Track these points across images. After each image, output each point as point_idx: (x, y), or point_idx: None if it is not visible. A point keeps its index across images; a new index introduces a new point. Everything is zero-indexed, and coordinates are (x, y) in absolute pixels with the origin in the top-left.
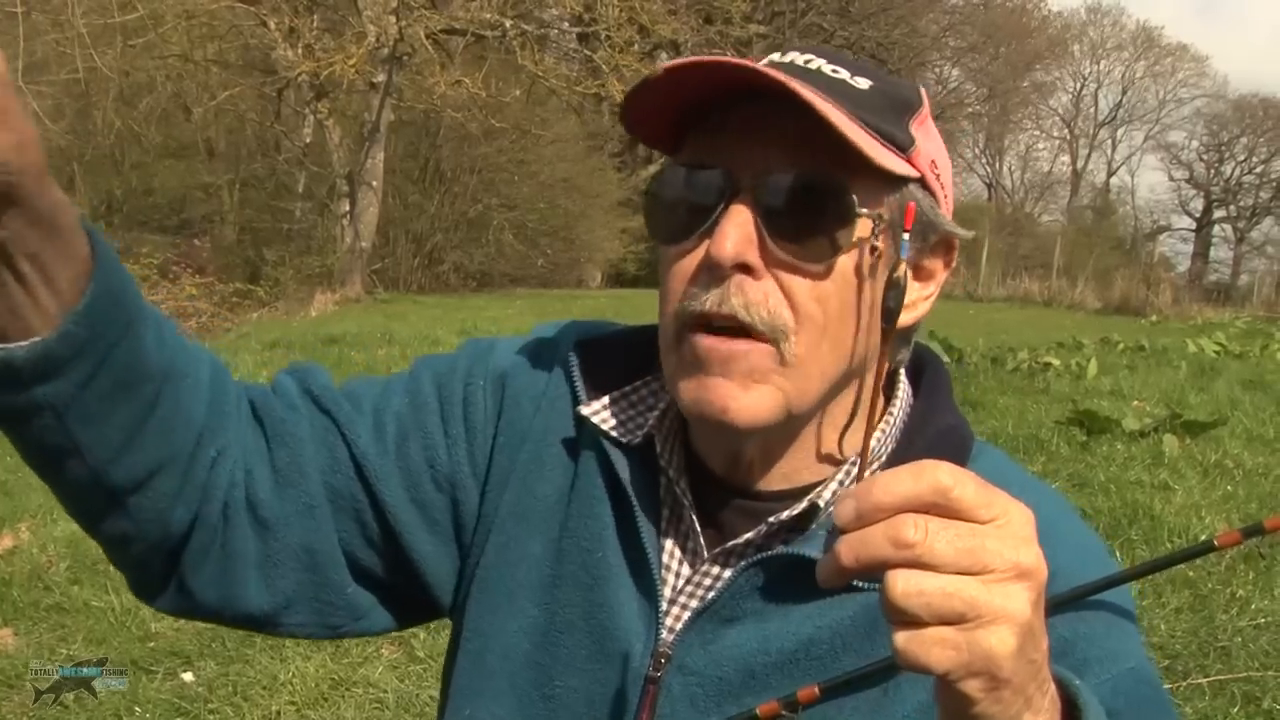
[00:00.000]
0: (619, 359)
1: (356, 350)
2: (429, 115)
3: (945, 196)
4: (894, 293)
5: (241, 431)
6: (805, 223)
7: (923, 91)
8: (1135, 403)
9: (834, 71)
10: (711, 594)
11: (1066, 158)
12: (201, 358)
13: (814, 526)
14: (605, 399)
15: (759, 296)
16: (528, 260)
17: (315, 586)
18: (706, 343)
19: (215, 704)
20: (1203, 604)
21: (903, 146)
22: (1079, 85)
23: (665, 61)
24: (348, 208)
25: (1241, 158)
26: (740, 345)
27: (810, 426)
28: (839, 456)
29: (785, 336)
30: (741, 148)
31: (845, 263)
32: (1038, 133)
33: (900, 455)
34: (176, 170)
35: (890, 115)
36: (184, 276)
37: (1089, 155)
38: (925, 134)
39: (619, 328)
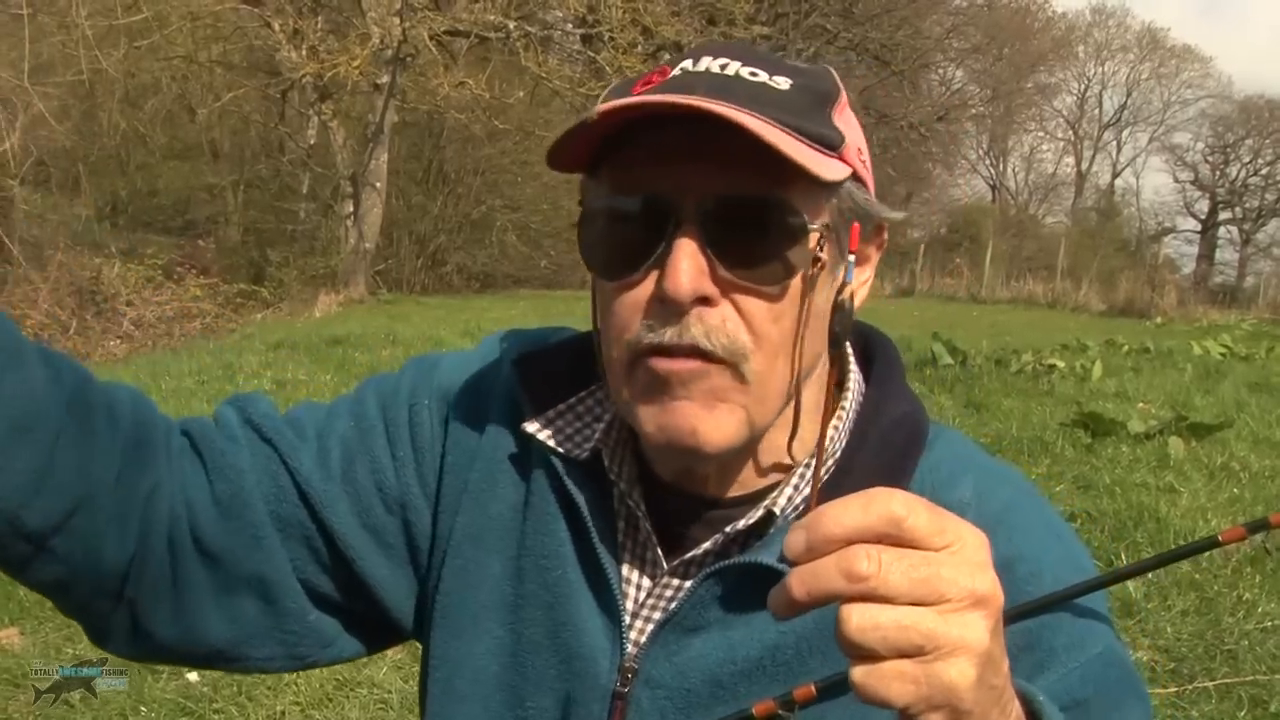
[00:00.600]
0: (562, 371)
1: (360, 351)
2: (433, 116)
3: (871, 179)
4: (840, 316)
5: (176, 465)
6: (757, 245)
7: (834, 75)
8: (1140, 405)
9: (752, 75)
10: (674, 605)
11: (1071, 159)
12: (118, 394)
13: (771, 532)
14: (550, 413)
15: (717, 322)
16: (531, 261)
17: (274, 616)
18: (665, 365)
19: (220, 704)
20: (1209, 607)
21: (833, 145)
22: (1083, 87)
23: (597, 108)
24: (351, 209)
25: (1247, 159)
26: (699, 364)
27: (764, 434)
28: (791, 460)
29: (744, 358)
30: (676, 172)
31: (798, 279)
32: (1042, 134)
33: (854, 449)
34: (181, 171)
35: (815, 113)
36: (188, 277)
37: (1093, 157)
38: (847, 123)
39: (562, 337)
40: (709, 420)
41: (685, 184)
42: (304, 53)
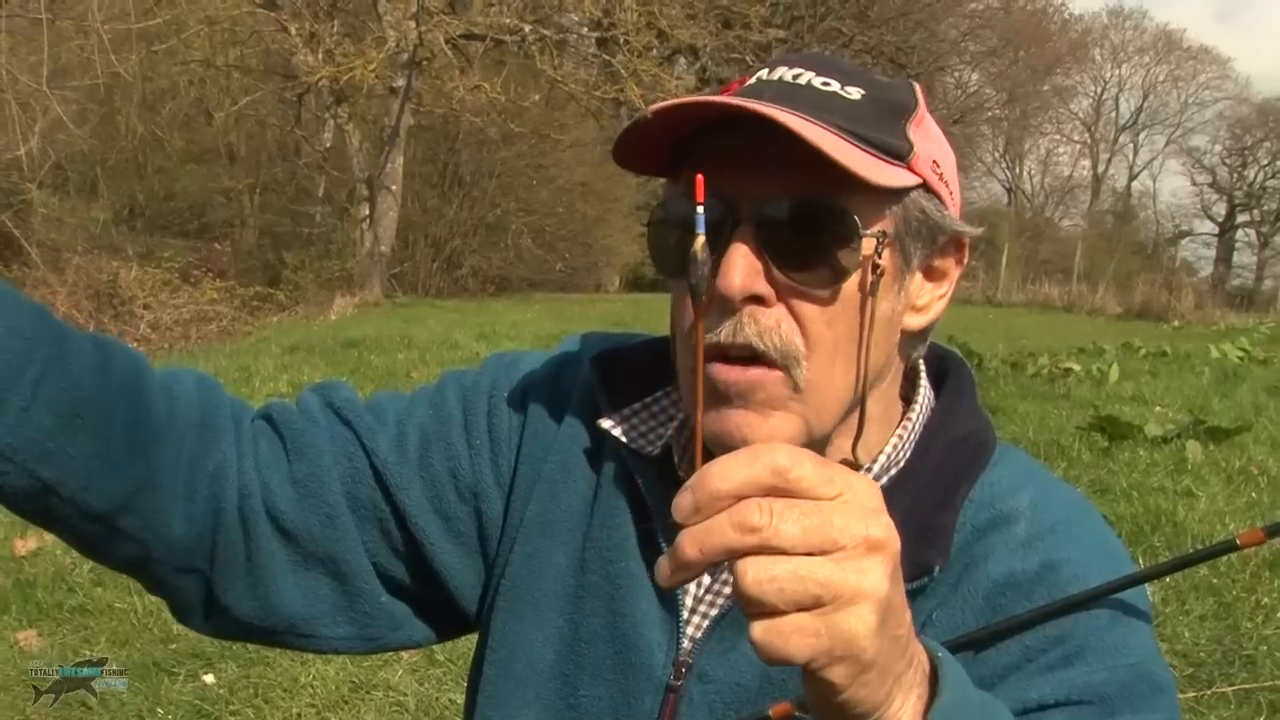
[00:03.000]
0: (638, 371)
1: (375, 354)
2: (448, 120)
3: (951, 194)
4: (693, 267)
5: (250, 443)
6: (809, 249)
7: (918, 90)
8: (1157, 408)
9: (824, 84)
10: (730, 602)
11: (1087, 162)
12: (179, 376)
13: None
14: (625, 411)
15: (771, 323)
16: (546, 264)
17: (347, 595)
18: (725, 374)
19: (236, 706)
20: (1227, 611)
21: (901, 154)
22: (1100, 89)
23: (653, 105)
24: (367, 212)
25: (1265, 162)
26: (757, 373)
27: (830, 443)
28: (856, 465)
29: (796, 362)
30: (738, 176)
31: (851, 283)
32: (1058, 137)
33: (916, 460)
34: (198, 175)
35: (885, 123)
36: (205, 280)
37: (1110, 160)
38: (923, 135)
39: (639, 340)
40: (762, 428)
41: (745, 188)
42: (320, 56)
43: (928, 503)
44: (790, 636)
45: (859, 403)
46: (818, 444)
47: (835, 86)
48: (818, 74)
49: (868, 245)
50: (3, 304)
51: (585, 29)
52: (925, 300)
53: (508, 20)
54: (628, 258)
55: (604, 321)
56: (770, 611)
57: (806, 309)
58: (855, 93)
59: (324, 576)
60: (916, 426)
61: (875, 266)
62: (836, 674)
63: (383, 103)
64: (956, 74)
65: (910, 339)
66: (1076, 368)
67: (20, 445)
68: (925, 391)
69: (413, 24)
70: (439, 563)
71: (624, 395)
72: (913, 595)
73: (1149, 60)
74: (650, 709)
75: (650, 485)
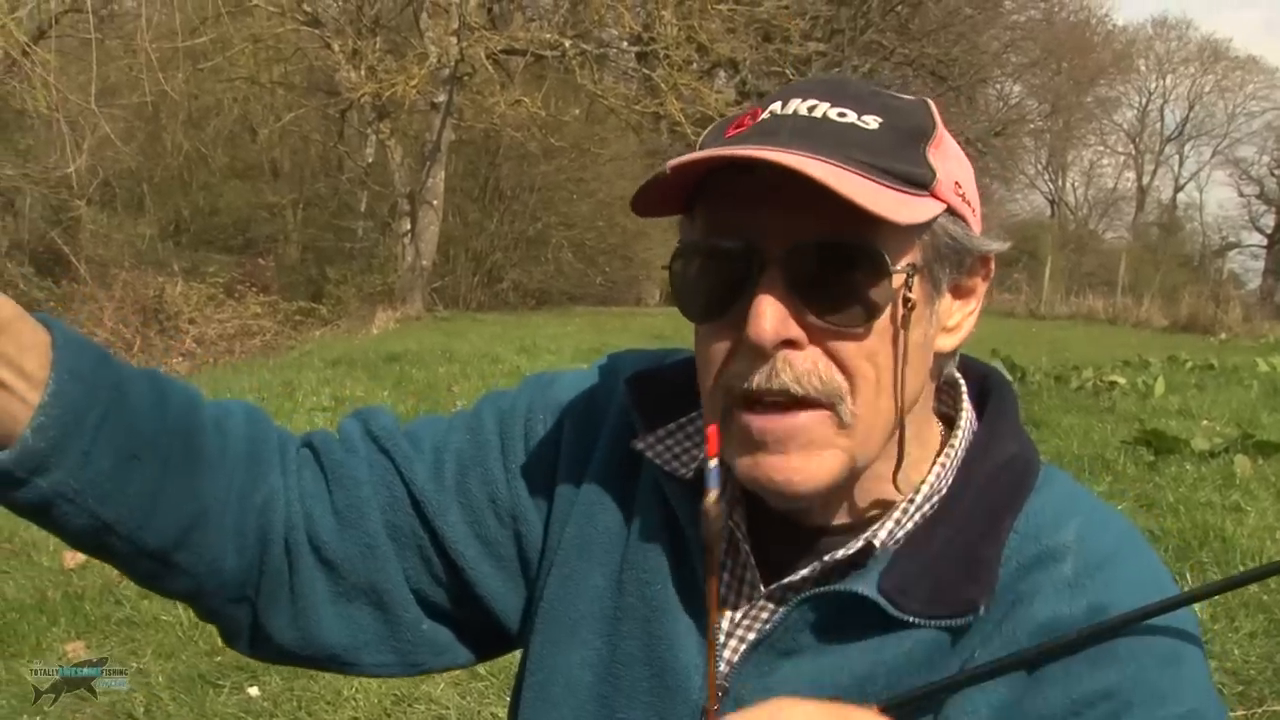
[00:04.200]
0: (674, 392)
1: (417, 368)
2: (489, 134)
3: (973, 211)
4: (705, 522)
5: (294, 474)
6: (840, 289)
7: (933, 109)
8: (1205, 422)
9: (840, 116)
10: (767, 627)
11: (1131, 174)
12: (230, 410)
13: (869, 563)
14: (660, 432)
15: (808, 366)
16: (586, 278)
17: (388, 624)
18: (760, 424)
19: (280, 718)
20: (1278, 628)
21: (925, 183)
22: (1144, 100)
23: (671, 161)
24: (409, 226)
25: None
26: (797, 419)
27: (868, 469)
28: (896, 494)
29: (841, 399)
30: (761, 217)
31: (885, 319)
32: (1102, 149)
33: (960, 486)
34: (242, 190)
35: (906, 151)
36: (249, 295)
37: (1155, 171)
38: (943, 157)
39: (675, 359)
40: (805, 470)
41: (769, 229)
42: (363, 73)
43: (972, 534)
44: None
45: (899, 429)
46: (859, 472)
47: (852, 117)
48: (832, 104)
49: (897, 280)
50: (67, 348)
51: (625, 43)
52: (956, 320)
53: (548, 35)
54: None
55: (644, 335)
56: None
57: (842, 347)
58: (873, 122)
59: (366, 606)
60: (959, 453)
61: (906, 300)
62: None
63: (424, 118)
64: (998, 86)
65: (942, 359)
66: (1122, 381)
67: (81, 487)
68: (968, 414)
69: (454, 40)
70: (481, 587)
71: (658, 416)
72: (955, 632)
73: (1195, 70)
74: None
75: (683, 508)
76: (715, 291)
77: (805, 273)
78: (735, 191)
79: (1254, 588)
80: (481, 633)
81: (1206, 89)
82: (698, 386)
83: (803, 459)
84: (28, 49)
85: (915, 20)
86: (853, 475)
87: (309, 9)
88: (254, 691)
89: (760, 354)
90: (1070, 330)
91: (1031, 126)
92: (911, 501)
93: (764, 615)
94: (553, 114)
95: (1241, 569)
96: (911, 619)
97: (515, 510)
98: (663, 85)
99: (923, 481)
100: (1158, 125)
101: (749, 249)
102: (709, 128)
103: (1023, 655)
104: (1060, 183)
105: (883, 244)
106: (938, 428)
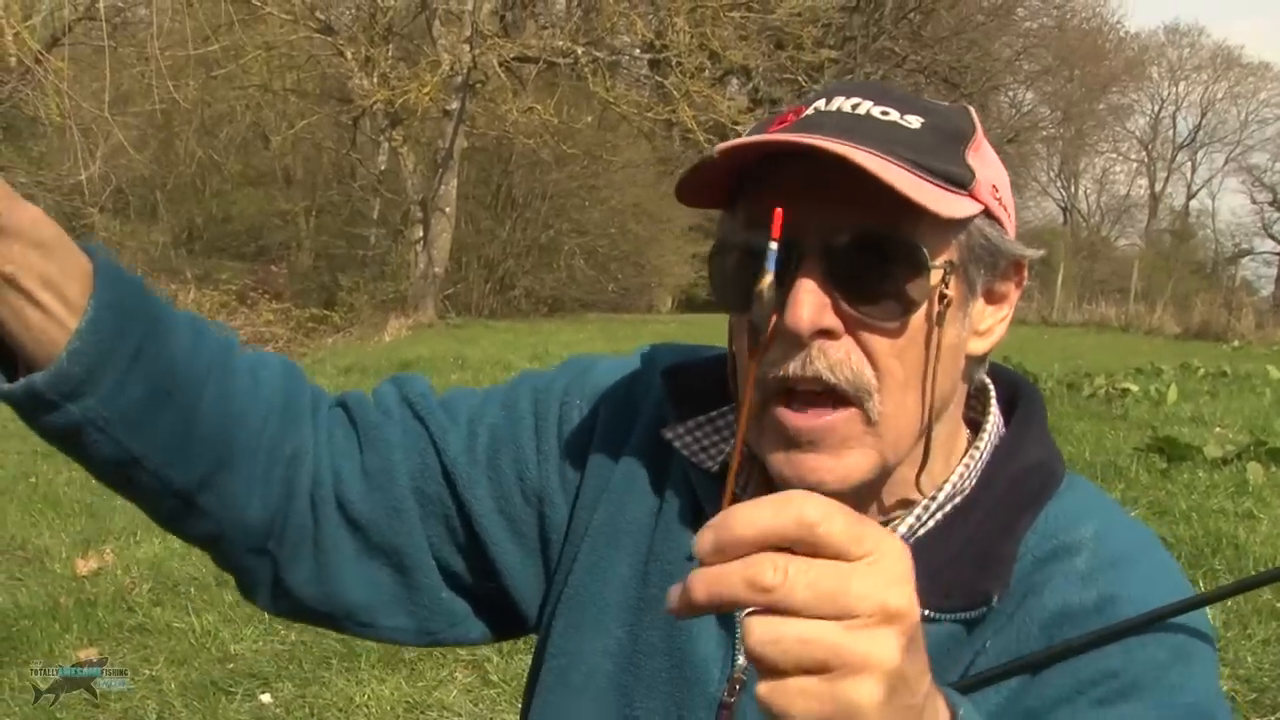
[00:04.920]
0: (707, 385)
1: (429, 375)
2: (501, 142)
3: (1009, 216)
4: (756, 306)
5: (325, 432)
6: (877, 281)
7: (973, 114)
8: (1217, 429)
9: (883, 114)
10: None
11: (1144, 181)
12: (266, 361)
13: None
14: (690, 423)
15: (841, 356)
16: (598, 285)
17: (407, 588)
18: (796, 421)
19: None
20: None
21: (964, 183)
22: (1157, 107)
23: (719, 145)
24: (421, 234)
25: None
26: (828, 418)
27: (896, 470)
28: (919, 494)
29: (869, 395)
30: (801, 208)
31: (920, 315)
32: (1114, 156)
33: (982, 488)
34: (255, 198)
35: (947, 151)
36: (261, 302)
37: (1167, 178)
38: (982, 160)
39: (713, 354)
40: (837, 469)
41: (810, 221)
42: (375, 80)
43: (990, 531)
44: (794, 699)
45: (927, 431)
46: (889, 472)
47: (895, 116)
48: (876, 103)
49: (935, 276)
50: (108, 277)
51: (637, 51)
52: (987, 324)
53: (560, 43)
54: (680, 278)
55: (655, 340)
56: (776, 670)
57: (875, 341)
58: (915, 121)
59: (386, 568)
60: (984, 454)
61: (943, 297)
62: None
63: (437, 125)
64: (1010, 93)
65: (973, 363)
66: (1134, 388)
67: (112, 416)
68: (994, 419)
69: (467, 47)
70: (501, 563)
71: (691, 407)
72: (970, 624)
73: (1207, 77)
74: None
75: (709, 500)
76: (753, 280)
77: (844, 264)
78: (778, 183)
79: (1267, 593)
80: (497, 609)
81: (1219, 96)
82: (729, 382)
83: (835, 459)
84: (41, 57)
85: (928, 27)
86: (882, 475)
87: (322, 16)
88: (266, 698)
89: (796, 342)
90: (1082, 337)
91: (1044, 134)
92: (933, 500)
93: None
94: (565, 121)
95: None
96: (927, 613)
97: (542, 491)
98: (675, 92)
99: (945, 481)
100: (1170, 132)
101: (788, 239)
102: (750, 126)
103: (1032, 658)
104: (1073, 190)
105: (921, 239)
106: (965, 434)
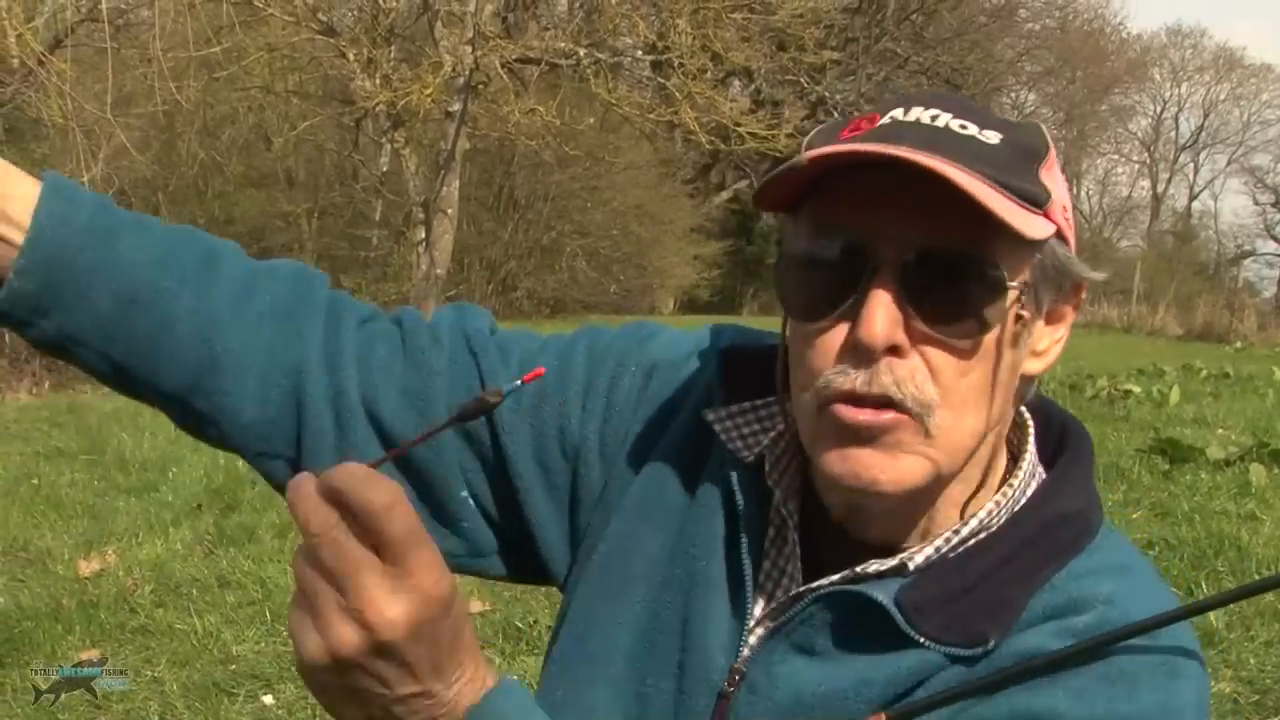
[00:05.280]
0: (759, 372)
1: None
2: (503, 143)
3: (1073, 237)
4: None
5: (354, 342)
6: (952, 300)
7: (1046, 133)
8: (1220, 431)
9: (962, 128)
10: (784, 616)
11: (1146, 182)
12: (278, 268)
13: (896, 578)
14: (734, 408)
15: (906, 373)
16: (600, 287)
17: (430, 507)
18: (857, 416)
19: None
20: None
21: (1040, 202)
22: (1159, 108)
23: (808, 153)
24: (423, 235)
25: None
26: (891, 418)
27: (944, 488)
28: (955, 520)
29: (930, 412)
30: (876, 218)
31: (991, 336)
32: (1116, 157)
33: (1009, 528)
34: (257, 199)
35: (1024, 170)
36: None
37: (1170, 179)
38: (1054, 180)
39: (774, 342)
40: (892, 469)
41: (884, 231)
42: (378, 82)
43: (1007, 575)
44: (292, 623)
45: (977, 450)
46: (937, 487)
47: (973, 130)
48: (955, 116)
49: (1010, 298)
50: (54, 196)
51: (639, 52)
52: (1045, 345)
53: (562, 44)
54: (682, 280)
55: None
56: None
57: (943, 360)
58: (994, 137)
59: (411, 484)
60: (1017, 492)
61: (1018, 318)
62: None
63: (439, 127)
64: (1013, 94)
65: (1026, 383)
66: (1136, 389)
67: (84, 328)
68: (1031, 456)
69: (469, 49)
70: (529, 510)
71: (739, 392)
72: (959, 662)
73: (1209, 79)
74: (704, 711)
75: (740, 487)
76: (823, 292)
77: (920, 280)
78: (851, 192)
79: (1269, 595)
80: (520, 553)
81: (1221, 97)
82: (784, 373)
83: (891, 459)
84: (44, 58)
85: (930, 28)
86: (936, 486)
87: (324, 18)
88: (268, 700)
89: (866, 356)
90: (1085, 338)
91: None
92: (956, 533)
93: (789, 611)
94: (567, 123)
95: (1257, 577)
96: (921, 639)
97: (580, 449)
98: (677, 94)
99: (972, 516)
100: (1172, 133)
101: (863, 250)
102: (815, 130)
103: (1005, 673)
104: (1075, 191)
105: (1001, 259)
106: (1004, 460)
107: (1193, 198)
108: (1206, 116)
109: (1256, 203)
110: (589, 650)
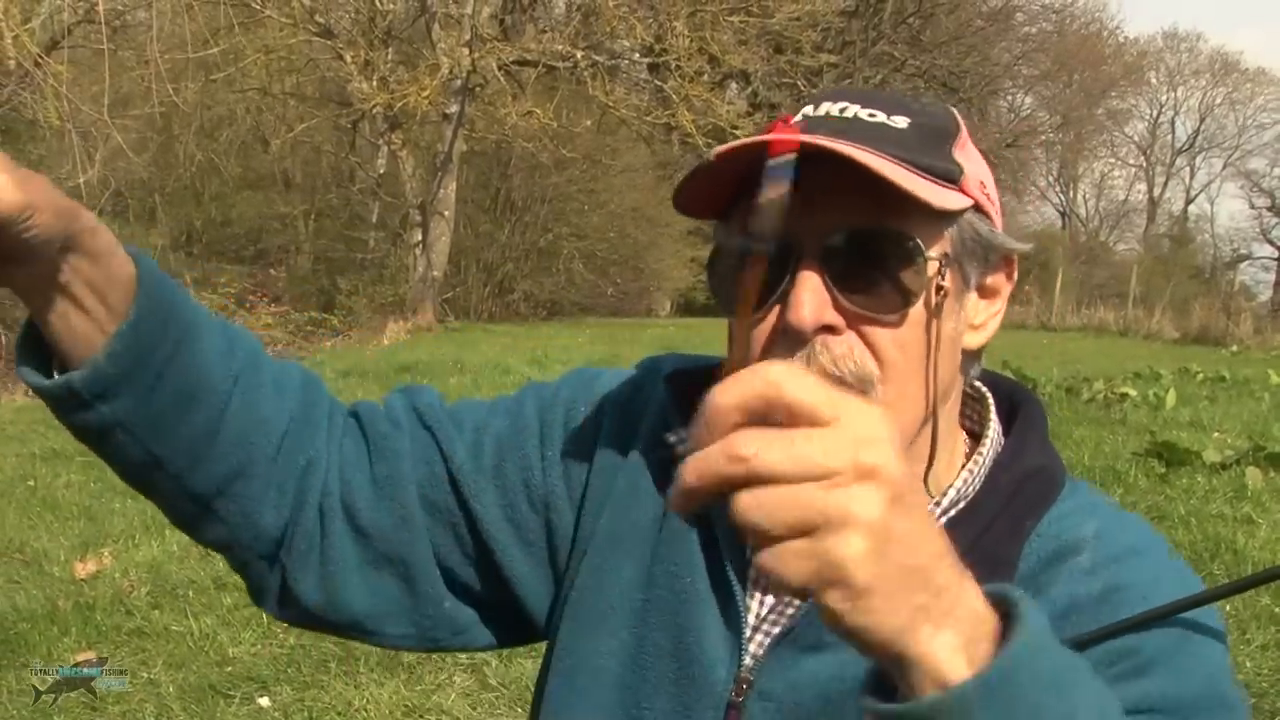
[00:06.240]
0: (707, 390)
1: (428, 378)
2: (500, 145)
3: (997, 211)
4: (753, 220)
5: (337, 442)
6: (875, 274)
7: (955, 113)
8: (1216, 434)
9: (870, 116)
10: (792, 622)
11: (1143, 186)
12: (289, 370)
13: None
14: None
15: (843, 350)
16: (597, 289)
17: (412, 597)
18: None
19: None
20: None
21: (952, 178)
22: (1155, 112)
23: (715, 150)
24: (420, 237)
25: None
26: None
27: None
28: (926, 497)
29: (872, 386)
30: (797, 213)
31: (918, 305)
32: (1113, 160)
33: (985, 493)
34: (254, 201)
35: (933, 148)
36: (260, 305)
37: (1166, 183)
38: (968, 157)
39: (716, 361)
40: None
41: (806, 222)
42: (375, 83)
43: (995, 536)
44: (786, 561)
45: (929, 421)
46: None
47: (881, 117)
48: (863, 106)
49: (930, 268)
50: (147, 284)
51: (637, 55)
52: (982, 319)
53: (560, 46)
54: (679, 282)
55: (655, 345)
56: (770, 538)
57: (876, 334)
58: (901, 121)
59: (392, 578)
60: (986, 460)
61: (940, 288)
62: (831, 599)
63: (436, 129)
64: (1009, 98)
65: (969, 357)
66: (1133, 393)
67: (140, 418)
68: (995, 427)
69: (466, 51)
70: (508, 570)
71: (694, 412)
72: None
73: (1205, 83)
74: None
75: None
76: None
77: (841, 260)
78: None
79: (1265, 599)
80: (503, 617)
81: (1217, 101)
82: None
83: None
84: (40, 60)
85: (927, 32)
86: None
87: (321, 20)
88: (264, 702)
89: (799, 340)
90: (1081, 342)
91: (1043, 138)
92: (937, 505)
93: (790, 610)
94: (564, 125)
95: None
96: None
97: (549, 498)
98: (674, 96)
99: (949, 486)
100: (1169, 137)
101: (786, 241)
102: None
103: (1111, 628)
104: (1071, 195)
105: (915, 231)
106: (963, 438)
107: (1189, 201)
108: (1203, 120)
109: (1252, 206)
110: (579, 686)
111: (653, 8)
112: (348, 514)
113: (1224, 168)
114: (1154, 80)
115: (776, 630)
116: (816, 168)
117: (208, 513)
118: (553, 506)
